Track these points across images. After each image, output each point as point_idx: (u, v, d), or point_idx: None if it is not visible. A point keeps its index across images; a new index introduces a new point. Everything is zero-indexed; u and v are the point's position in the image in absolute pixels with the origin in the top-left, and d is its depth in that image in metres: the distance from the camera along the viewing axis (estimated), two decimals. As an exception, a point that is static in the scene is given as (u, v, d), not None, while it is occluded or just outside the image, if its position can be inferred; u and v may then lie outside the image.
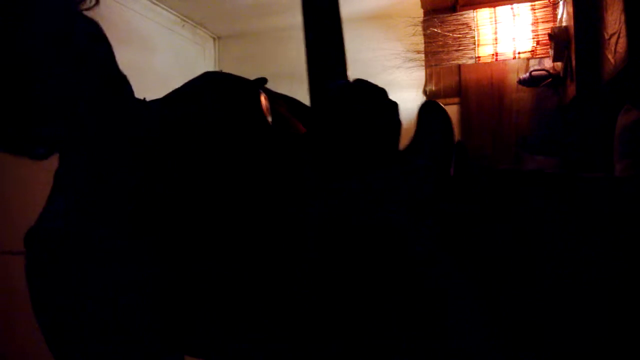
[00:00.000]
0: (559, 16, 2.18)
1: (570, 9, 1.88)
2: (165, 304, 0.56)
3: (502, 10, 2.38)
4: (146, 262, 0.55)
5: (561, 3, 2.11)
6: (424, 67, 2.70)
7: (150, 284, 0.55)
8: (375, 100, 0.68)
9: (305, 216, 0.61)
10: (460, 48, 2.44)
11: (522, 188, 0.74)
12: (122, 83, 0.68)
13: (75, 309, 0.53)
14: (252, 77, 0.80)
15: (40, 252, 0.54)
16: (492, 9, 2.41)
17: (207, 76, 0.77)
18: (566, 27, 1.99)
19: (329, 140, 0.66)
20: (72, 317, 0.53)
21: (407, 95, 2.85)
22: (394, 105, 0.70)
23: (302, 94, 0.82)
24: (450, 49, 2.44)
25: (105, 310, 0.53)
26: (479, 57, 2.42)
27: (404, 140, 0.79)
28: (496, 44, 2.39)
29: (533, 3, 2.34)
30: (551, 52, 2.10)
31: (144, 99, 0.71)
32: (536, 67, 2.34)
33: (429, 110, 0.76)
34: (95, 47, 0.62)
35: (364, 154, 0.66)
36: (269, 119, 0.72)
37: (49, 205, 0.59)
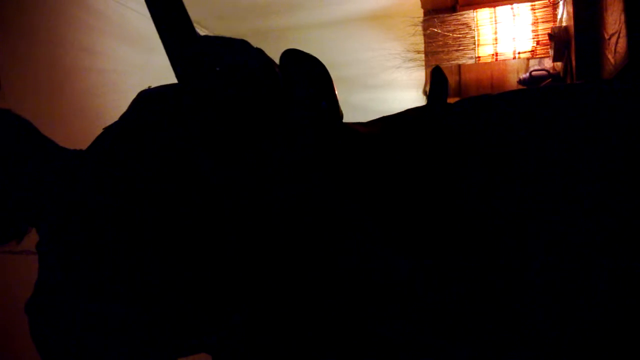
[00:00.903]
0: (559, 16, 2.18)
1: (570, 9, 1.88)
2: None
3: (502, 10, 2.39)
4: (133, 331, 0.63)
5: (561, 3, 2.11)
6: (424, 67, 2.70)
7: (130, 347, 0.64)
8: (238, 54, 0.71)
9: (227, 206, 0.63)
10: (460, 48, 2.44)
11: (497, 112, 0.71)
12: (49, 152, 0.69)
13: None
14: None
15: (37, 319, 0.65)
16: (492, 9, 2.41)
17: (140, 99, 0.76)
18: (566, 27, 1.98)
19: (207, 108, 0.67)
20: None
21: (407, 95, 2.86)
22: (259, 51, 0.72)
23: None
24: (450, 49, 2.44)
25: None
26: (479, 57, 2.42)
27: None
28: (496, 44, 2.39)
29: (533, 3, 2.34)
30: (551, 52, 2.10)
31: (79, 150, 0.72)
32: (536, 67, 2.34)
33: (289, 60, 0.71)
34: (11, 142, 0.66)
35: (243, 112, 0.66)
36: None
37: (40, 275, 0.66)
